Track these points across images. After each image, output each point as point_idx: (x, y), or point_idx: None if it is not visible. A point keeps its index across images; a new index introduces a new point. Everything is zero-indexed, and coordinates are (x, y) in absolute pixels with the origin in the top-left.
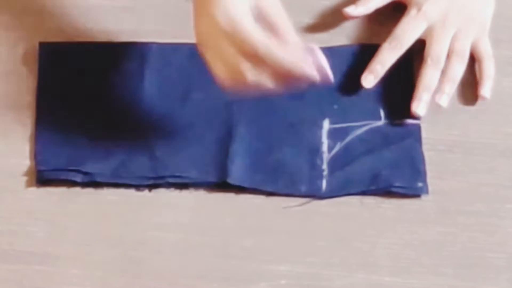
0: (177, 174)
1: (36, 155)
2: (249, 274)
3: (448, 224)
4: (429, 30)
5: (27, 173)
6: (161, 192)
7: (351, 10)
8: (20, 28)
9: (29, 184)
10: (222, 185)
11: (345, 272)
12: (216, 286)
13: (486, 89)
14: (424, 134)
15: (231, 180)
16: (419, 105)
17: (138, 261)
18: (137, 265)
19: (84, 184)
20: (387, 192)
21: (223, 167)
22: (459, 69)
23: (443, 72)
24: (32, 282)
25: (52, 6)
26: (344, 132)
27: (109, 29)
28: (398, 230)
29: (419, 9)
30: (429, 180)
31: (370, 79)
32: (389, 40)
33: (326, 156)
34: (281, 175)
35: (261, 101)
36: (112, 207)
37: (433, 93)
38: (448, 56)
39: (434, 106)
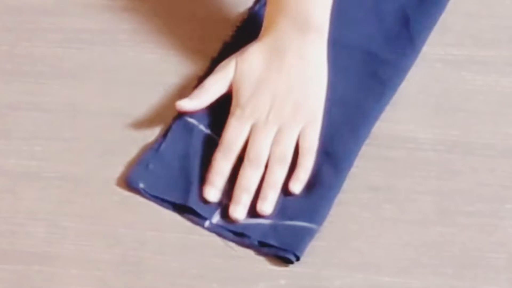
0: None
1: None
2: (248, 274)
3: (448, 224)
4: (252, 129)
5: (27, 173)
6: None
7: (184, 103)
8: (20, 28)
9: (29, 184)
10: None
11: (345, 272)
12: (216, 286)
13: (296, 184)
14: (424, 134)
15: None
16: (237, 209)
17: (138, 261)
18: (137, 265)
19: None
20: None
21: None
22: (279, 174)
23: (264, 178)
24: (32, 282)
25: (52, 5)
26: None
27: (109, 29)
28: (398, 230)
29: (242, 109)
30: (429, 180)
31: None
32: (220, 148)
33: None
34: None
35: None
36: (112, 207)
37: (257, 199)
38: (269, 160)
39: (434, 106)
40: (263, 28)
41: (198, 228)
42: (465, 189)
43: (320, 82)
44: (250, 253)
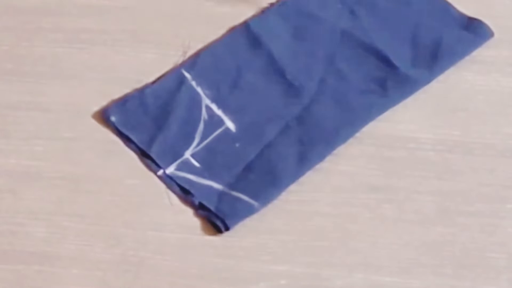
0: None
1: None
2: (249, 274)
3: (448, 224)
4: None
5: (27, 173)
6: (162, 192)
7: None
8: (20, 28)
9: (29, 184)
10: None
11: (345, 272)
12: (216, 286)
13: None
14: (424, 134)
15: None
16: None
17: (138, 261)
18: (137, 265)
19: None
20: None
21: None
22: None
23: None
24: (32, 282)
25: (52, 5)
26: None
27: (109, 29)
28: (398, 230)
29: None
30: (429, 180)
31: None
32: None
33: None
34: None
35: None
36: (112, 207)
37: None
38: None
39: (434, 106)
40: None
41: (198, 228)
42: (465, 189)
43: None
44: (250, 253)
